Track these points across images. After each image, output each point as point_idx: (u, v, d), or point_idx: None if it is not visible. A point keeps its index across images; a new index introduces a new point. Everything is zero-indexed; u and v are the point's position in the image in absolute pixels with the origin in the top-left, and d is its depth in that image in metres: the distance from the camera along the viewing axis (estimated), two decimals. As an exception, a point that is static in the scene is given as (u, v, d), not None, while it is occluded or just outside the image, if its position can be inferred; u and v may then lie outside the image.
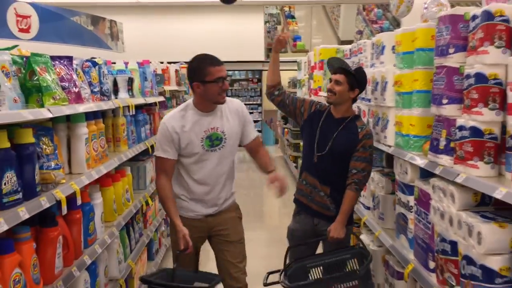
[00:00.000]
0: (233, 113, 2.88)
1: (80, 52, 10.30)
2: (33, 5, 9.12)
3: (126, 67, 3.78)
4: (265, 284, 2.70)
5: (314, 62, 5.72)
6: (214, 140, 2.79)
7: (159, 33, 12.58)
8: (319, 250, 3.25)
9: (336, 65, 3.10)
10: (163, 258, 4.66)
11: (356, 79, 3.03)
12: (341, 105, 3.06)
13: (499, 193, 1.75)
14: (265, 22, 14.63)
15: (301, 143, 4.13)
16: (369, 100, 3.41)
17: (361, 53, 3.80)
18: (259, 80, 14.33)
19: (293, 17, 15.70)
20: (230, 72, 14.15)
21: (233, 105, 2.92)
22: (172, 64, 6.10)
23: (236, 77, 14.39)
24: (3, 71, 1.96)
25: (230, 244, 2.92)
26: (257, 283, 2.84)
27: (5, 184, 1.84)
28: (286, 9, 15.76)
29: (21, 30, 9.04)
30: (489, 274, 1.85)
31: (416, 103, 2.64)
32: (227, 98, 2.86)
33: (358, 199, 3.63)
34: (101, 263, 2.80)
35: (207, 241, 3.01)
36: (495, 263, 1.83)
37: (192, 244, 2.74)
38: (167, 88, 4.96)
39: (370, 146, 3.00)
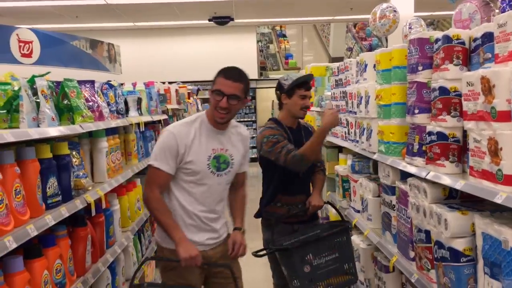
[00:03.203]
0: (239, 139, 2.69)
1: (79, 75, 10.70)
2: (34, 31, 9.54)
3: (134, 88, 4.15)
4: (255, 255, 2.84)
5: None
6: (221, 163, 2.58)
7: (155, 55, 13.02)
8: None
9: (308, 79, 3.39)
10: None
11: None
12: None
13: (459, 185, 2.12)
14: (258, 41, 15.13)
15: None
16: (355, 113, 3.79)
17: (348, 70, 4.20)
18: (253, 98, 14.74)
19: (284, 36, 16.23)
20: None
21: (240, 130, 2.73)
22: (172, 84, 6.49)
23: (231, 95, 14.78)
24: (42, 95, 2.32)
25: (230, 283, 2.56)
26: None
27: (49, 188, 2.19)
28: (278, 28, 16.29)
29: (23, 55, 9.45)
30: (455, 254, 2.20)
31: (394, 114, 3.01)
32: (235, 122, 2.71)
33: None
34: (119, 263, 3.14)
35: None
36: (459, 244, 2.18)
37: None
38: (169, 106, 5.33)
39: None
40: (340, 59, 14.17)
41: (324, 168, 3.61)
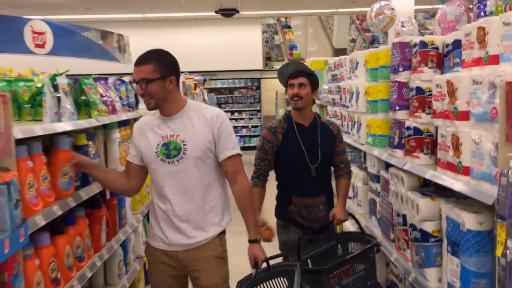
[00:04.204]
0: (202, 121, 2.46)
1: (90, 64, 11.04)
2: (47, 22, 9.83)
3: (143, 82, 4.44)
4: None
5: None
6: (171, 150, 2.44)
7: (163, 45, 13.08)
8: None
9: (292, 70, 3.12)
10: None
11: (315, 79, 3.12)
12: (306, 109, 3.11)
13: (428, 174, 2.41)
14: (263, 32, 15.36)
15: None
16: (347, 107, 4.08)
17: (342, 67, 4.48)
18: (258, 88, 15.01)
19: (289, 27, 16.42)
20: (230, 80, 14.88)
21: (204, 113, 2.49)
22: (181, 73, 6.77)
23: (236, 85, 15.08)
24: (63, 91, 2.63)
25: None
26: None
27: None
28: (283, 19, 16.48)
29: (37, 45, 9.76)
30: (425, 235, 2.50)
31: (380, 109, 3.30)
32: (203, 105, 2.60)
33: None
34: (130, 242, 3.46)
35: None
36: (429, 227, 2.48)
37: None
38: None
39: (342, 136, 3.31)
40: (343, 50, 14.43)
41: (349, 170, 3.28)
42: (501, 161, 1.70)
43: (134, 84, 2.45)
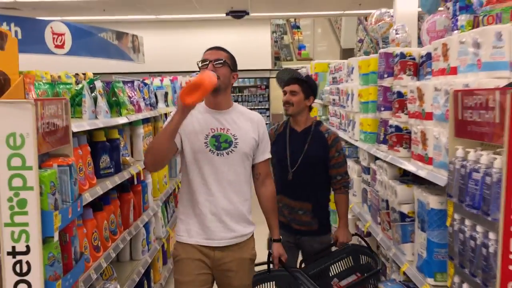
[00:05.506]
0: (249, 122, 2.60)
1: (106, 64, 11.60)
2: (66, 23, 10.40)
3: (162, 83, 4.97)
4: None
5: (311, 74, 6.86)
6: (222, 143, 2.49)
7: (176, 45, 13.84)
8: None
9: (287, 77, 3.27)
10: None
11: (309, 87, 3.24)
12: (299, 115, 3.24)
13: (403, 165, 2.89)
14: (272, 33, 15.83)
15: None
16: (344, 107, 4.55)
17: (341, 70, 4.95)
18: (267, 87, 15.50)
19: (298, 27, 16.87)
20: (240, 79, 15.37)
21: (251, 114, 2.66)
22: (192, 74, 7.30)
23: (246, 84, 15.57)
24: (99, 93, 3.14)
25: None
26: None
27: (102, 162, 3.01)
28: (292, 20, 16.93)
29: (57, 46, 10.34)
30: (403, 216, 2.97)
31: (370, 109, 3.77)
32: (245, 108, 2.70)
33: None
34: (151, 224, 3.97)
35: None
36: (405, 209, 2.95)
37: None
38: (190, 97, 6.15)
39: (341, 148, 3.33)
40: (350, 50, 14.82)
41: (347, 183, 3.25)
42: (450, 152, 2.17)
43: (199, 63, 2.51)
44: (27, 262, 1.79)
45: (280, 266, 2.80)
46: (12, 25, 9.49)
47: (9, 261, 1.80)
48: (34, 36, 10.01)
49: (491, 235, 1.74)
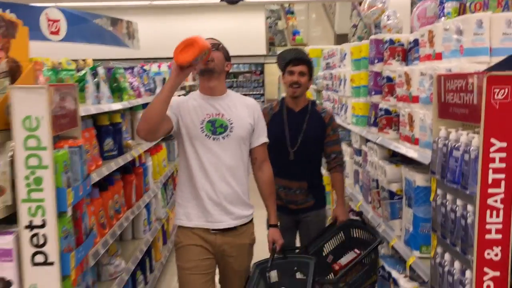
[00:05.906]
0: (243, 107, 2.65)
1: (101, 50, 11.64)
2: (61, 10, 10.42)
3: (159, 69, 5.09)
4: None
5: (304, 59, 6.99)
6: (217, 127, 2.54)
7: (170, 31, 13.83)
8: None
9: (296, 56, 3.25)
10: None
11: (312, 68, 3.27)
12: (301, 96, 3.27)
13: (392, 146, 3.06)
14: (267, 18, 15.87)
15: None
16: (337, 91, 4.70)
17: (334, 56, 5.09)
18: (262, 72, 15.60)
19: (292, 12, 16.89)
20: (235, 65, 15.45)
21: (245, 99, 2.71)
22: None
23: (240, 70, 15.68)
24: (102, 79, 3.28)
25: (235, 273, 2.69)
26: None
27: (106, 145, 3.16)
28: (286, 5, 16.96)
29: (52, 32, 10.36)
30: (391, 194, 3.14)
31: (362, 94, 3.92)
32: (239, 94, 2.75)
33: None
34: (152, 205, 4.14)
35: None
36: (393, 187, 3.12)
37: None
38: (186, 83, 6.28)
39: (337, 127, 3.43)
40: (344, 36, 14.86)
41: (341, 162, 3.30)
42: (434, 132, 2.33)
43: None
44: (44, 235, 1.95)
45: (277, 253, 2.82)
46: (8, 12, 9.50)
47: (26, 234, 1.95)
48: (29, 22, 9.84)
49: (469, 208, 1.91)
